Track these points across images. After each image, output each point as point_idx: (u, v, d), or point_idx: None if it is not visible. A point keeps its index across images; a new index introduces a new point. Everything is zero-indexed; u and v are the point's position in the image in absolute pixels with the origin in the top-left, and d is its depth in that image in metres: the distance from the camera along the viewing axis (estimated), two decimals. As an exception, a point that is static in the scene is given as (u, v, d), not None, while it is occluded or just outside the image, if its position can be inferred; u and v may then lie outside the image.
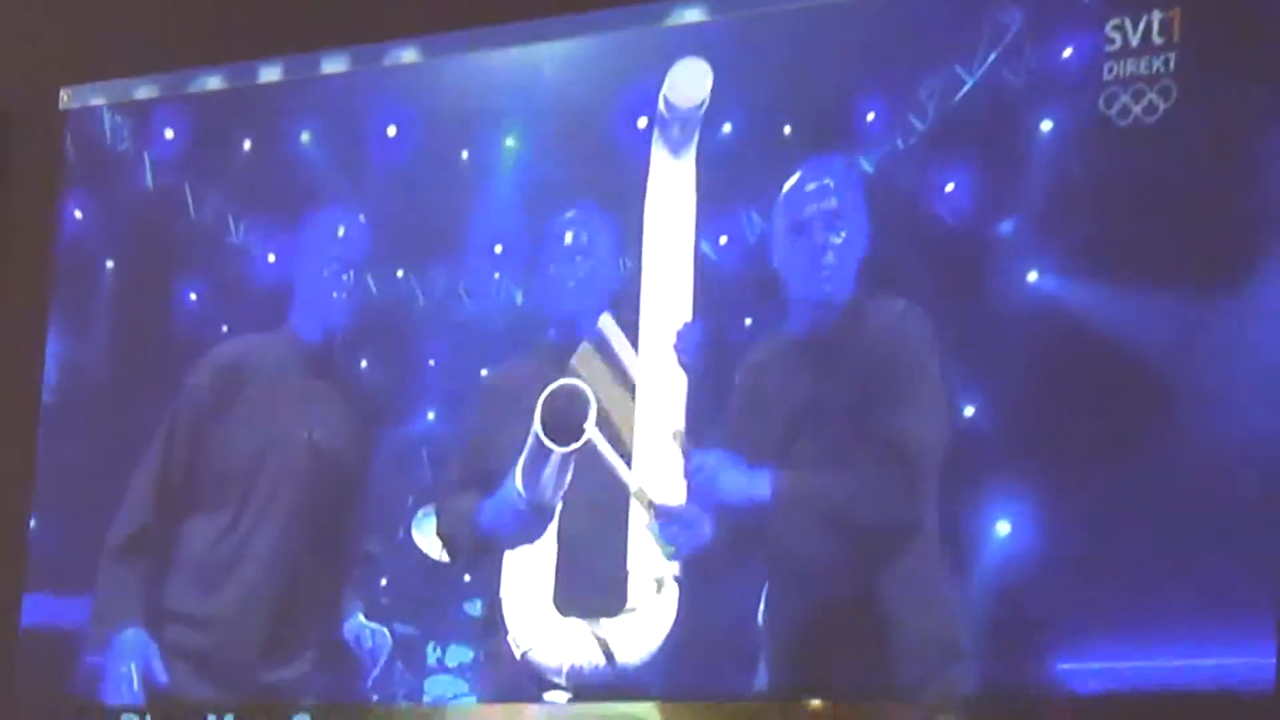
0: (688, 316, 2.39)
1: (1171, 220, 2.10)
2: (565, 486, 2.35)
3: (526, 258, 2.56)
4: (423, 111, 2.68)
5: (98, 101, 2.99)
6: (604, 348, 2.42)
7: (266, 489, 2.57)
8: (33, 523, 2.85)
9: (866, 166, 2.32)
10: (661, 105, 2.42)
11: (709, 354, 2.37)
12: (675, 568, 2.30)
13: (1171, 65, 2.13)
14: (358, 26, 2.78)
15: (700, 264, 2.40)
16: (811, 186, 2.31)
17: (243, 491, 2.57)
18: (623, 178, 2.47)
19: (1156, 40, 2.15)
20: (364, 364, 2.68)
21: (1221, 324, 2.05)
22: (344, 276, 2.62)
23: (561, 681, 2.32)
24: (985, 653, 2.14)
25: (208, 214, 2.80)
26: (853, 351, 2.27)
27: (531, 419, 2.34)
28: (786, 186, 2.33)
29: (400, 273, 2.64)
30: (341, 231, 2.66)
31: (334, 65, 2.77)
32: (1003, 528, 2.15)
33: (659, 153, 2.43)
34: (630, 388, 2.40)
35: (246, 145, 2.80)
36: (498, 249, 2.61)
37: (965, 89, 2.25)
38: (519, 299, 2.58)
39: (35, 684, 2.75)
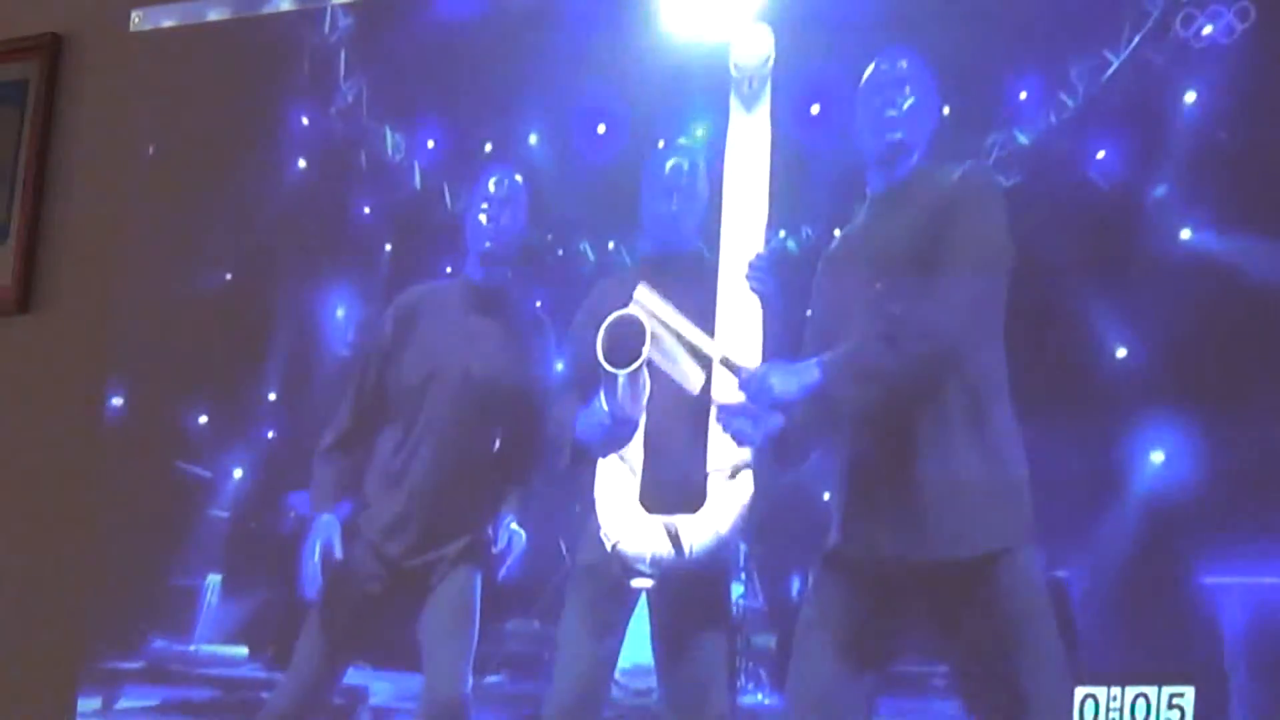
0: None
1: None
2: (643, 401, 2.08)
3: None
4: (628, 107, 2.45)
5: (169, 24, 2.73)
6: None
7: (429, 410, 2.34)
8: None
9: (1023, 139, 2.05)
10: (731, 68, 2.18)
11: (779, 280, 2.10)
12: (748, 454, 2.03)
13: None
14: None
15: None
16: (885, 65, 2.03)
17: (412, 411, 2.36)
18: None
19: None
20: (538, 304, 2.45)
21: None
22: (500, 220, 2.37)
23: (646, 569, 2.08)
24: (1138, 565, 1.88)
25: (461, 205, 2.64)
26: (921, 200, 1.96)
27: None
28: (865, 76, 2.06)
29: (611, 244, 2.43)
30: (493, 186, 2.42)
31: None
32: (1157, 456, 1.89)
33: (735, 108, 2.18)
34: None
35: (488, 148, 2.64)
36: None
37: (1112, 69, 1.98)
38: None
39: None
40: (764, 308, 2.08)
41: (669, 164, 2.23)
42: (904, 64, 2.01)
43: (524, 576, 2.38)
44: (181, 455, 2.73)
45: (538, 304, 2.44)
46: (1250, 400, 1.82)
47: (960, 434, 1.84)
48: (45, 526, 2.87)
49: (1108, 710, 1.81)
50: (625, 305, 2.07)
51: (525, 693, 2.31)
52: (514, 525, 2.32)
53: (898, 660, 1.93)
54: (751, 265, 2.08)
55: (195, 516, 2.70)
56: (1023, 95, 2.05)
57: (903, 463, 1.87)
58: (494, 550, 2.30)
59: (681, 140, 2.28)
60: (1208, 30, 1.87)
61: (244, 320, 2.78)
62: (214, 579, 2.70)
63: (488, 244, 2.37)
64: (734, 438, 1.95)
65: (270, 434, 2.74)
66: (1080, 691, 1.82)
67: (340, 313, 2.75)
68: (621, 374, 1.97)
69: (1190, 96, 1.91)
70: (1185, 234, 1.91)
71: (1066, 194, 2.00)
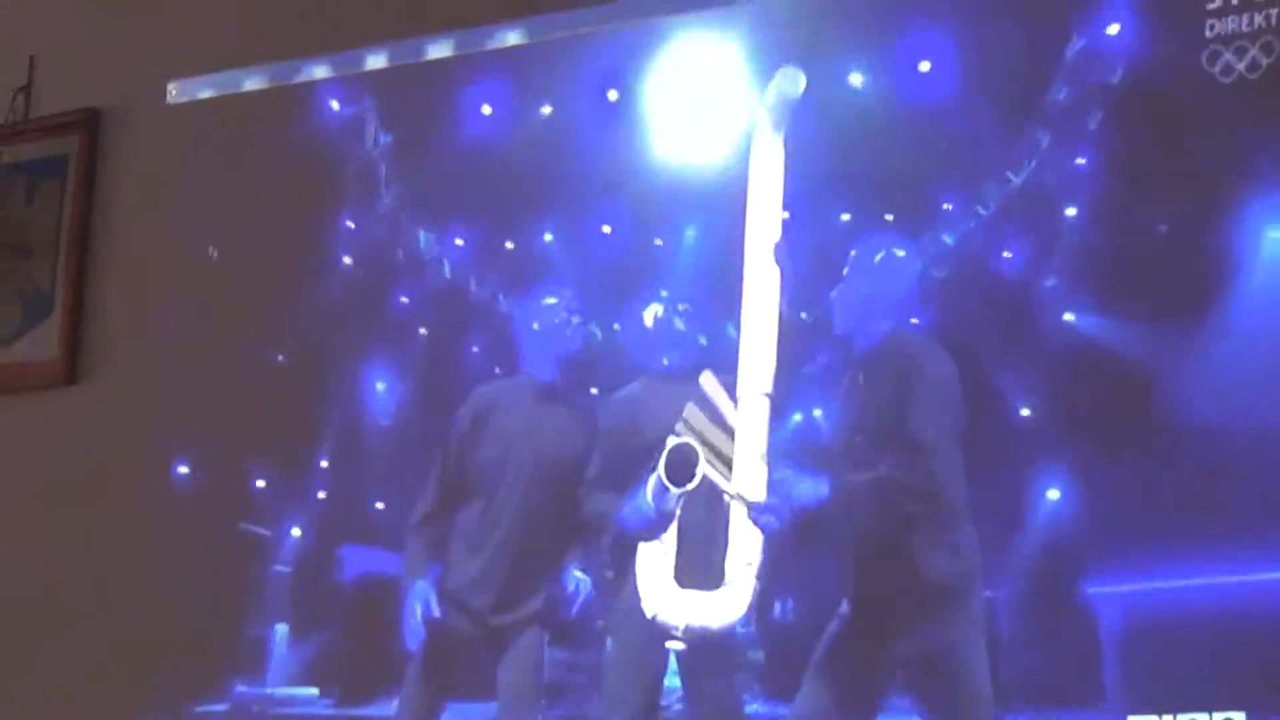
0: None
1: (1161, 263, 2.13)
2: (682, 501, 2.37)
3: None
4: (629, 211, 2.74)
5: (206, 94, 2.77)
6: (706, 404, 2.40)
7: (506, 487, 2.60)
8: (380, 504, 2.92)
9: (948, 240, 2.39)
10: (771, 94, 2.44)
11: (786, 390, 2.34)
12: (758, 552, 2.32)
13: (1274, 20, 1.91)
14: (461, 11, 2.62)
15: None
16: (883, 254, 2.33)
17: (491, 488, 2.61)
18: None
19: None
20: (594, 390, 2.71)
21: (1199, 343, 2.12)
22: (568, 329, 2.64)
23: (679, 634, 2.37)
24: (1041, 580, 2.20)
25: (484, 292, 2.90)
26: (891, 366, 2.27)
27: (649, 432, 2.39)
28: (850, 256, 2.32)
29: (616, 326, 2.70)
30: (553, 300, 2.67)
31: (439, 50, 2.66)
32: (1053, 493, 2.21)
33: (763, 126, 2.46)
34: (729, 431, 2.38)
35: (509, 245, 2.90)
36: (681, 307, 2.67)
37: (1014, 186, 2.33)
38: (703, 340, 2.62)
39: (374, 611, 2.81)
40: (771, 415, 2.30)
41: (650, 317, 2.51)
42: (901, 253, 2.29)
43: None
44: (244, 517, 2.92)
45: (593, 390, 2.67)
46: (1120, 446, 2.15)
47: (932, 552, 2.17)
48: (113, 585, 2.95)
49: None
50: (647, 417, 2.39)
51: (556, 717, 2.55)
52: (579, 574, 2.57)
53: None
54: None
55: (260, 572, 2.89)
56: (947, 206, 2.39)
57: (886, 569, 2.21)
58: (568, 593, 2.55)
59: (664, 293, 2.51)
60: (1081, 161, 2.24)
61: (296, 395, 2.97)
62: (282, 627, 2.87)
63: (564, 352, 2.64)
64: (761, 529, 2.26)
65: (321, 494, 2.94)
66: None
67: (381, 387, 2.98)
68: (678, 491, 2.27)
69: (1071, 210, 2.27)
70: (1069, 317, 2.25)
71: (981, 284, 2.34)
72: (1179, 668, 2.07)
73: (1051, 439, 2.25)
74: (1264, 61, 1.94)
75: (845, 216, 2.52)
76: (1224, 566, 2.04)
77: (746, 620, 2.35)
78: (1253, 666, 1.99)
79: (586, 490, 2.53)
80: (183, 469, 2.96)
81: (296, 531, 2.89)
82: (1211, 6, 2.01)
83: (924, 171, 2.42)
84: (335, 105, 2.99)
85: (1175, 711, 2.03)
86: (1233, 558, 2.03)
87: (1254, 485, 2.05)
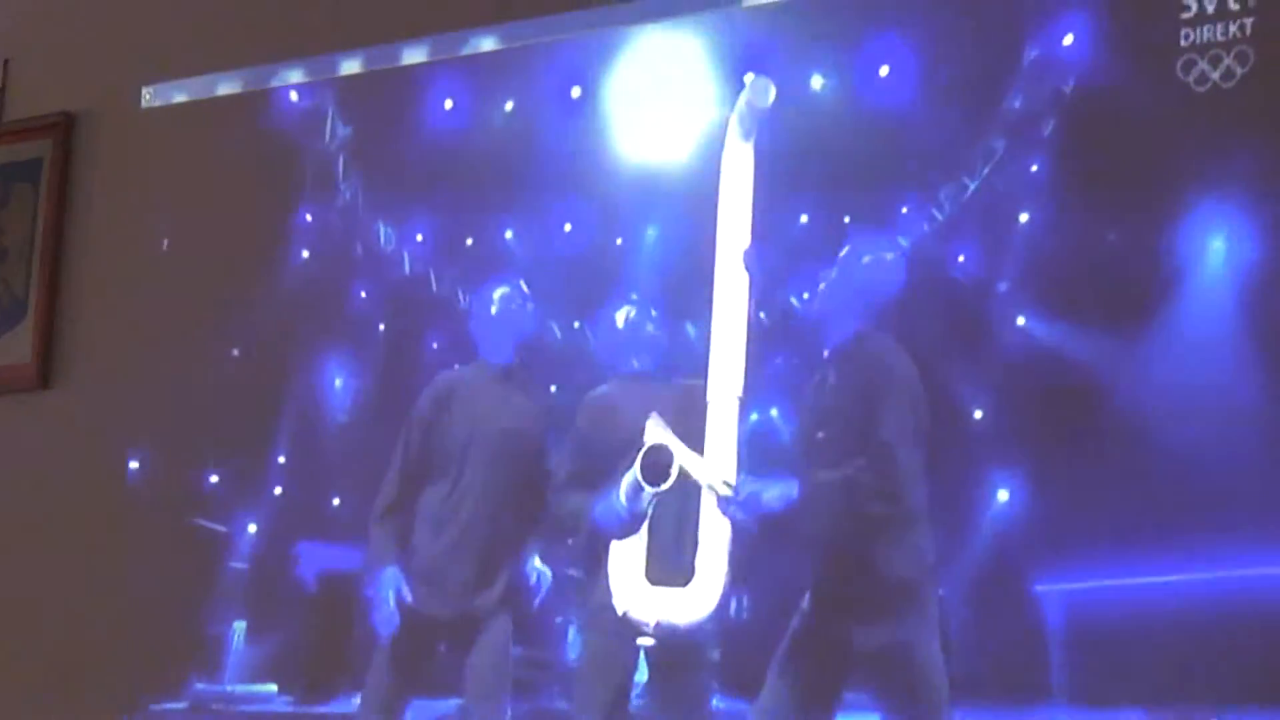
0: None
1: (1111, 269, 2.20)
2: (655, 500, 2.43)
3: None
4: (590, 209, 2.78)
5: (180, 99, 2.84)
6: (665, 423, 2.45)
7: (472, 464, 2.65)
8: (337, 500, 2.94)
9: (904, 243, 2.45)
10: (741, 103, 2.52)
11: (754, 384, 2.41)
12: (727, 549, 2.39)
13: (1249, 30, 1.93)
14: (434, 17, 2.68)
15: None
16: (872, 256, 2.41)
17: (457, 467, 2.65)
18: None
19: (1233, 6, 1.93)
20: (553, 389, 2.75)
21: (1147, 348, 2.19)
22: (523, 313, 2.70)
23: (650, 631, 2.45)
24: (989, 579, 2.28)
25: (445, 289, 2.91)
26: (855, 364, 2.35)
27: (623, 433, 2.45)
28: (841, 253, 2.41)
29: (576, 324, 2.75)
30: (508, 291, 2.73)
31: (414, 56, 2.73)
32: (1002, 495, 2.28)
33: (733, 133, 2.52)
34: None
35: (469, 241, 2.92)
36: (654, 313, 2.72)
37: (969, 191, 2.39)
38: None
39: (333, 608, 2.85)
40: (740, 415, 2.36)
41: (622, 319, 2.55)
42: (889, 256, 2.35)
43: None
44: (198, 513, 2.95)
45: (553, 389, 2.72)
46: (1069, 448, 2.22)
47: (893, 551, 2.25)
48: (78, 584, 3.00)
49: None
50: (622, 418, 2.45)
51: (521, 713, 2.59)
52: (539, 564, 2.62)
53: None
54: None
55: (217, 568, 2.92)
56: (904, 209, 2.44)
57: (848, 566, 2.28)
58: (529, 584, 2.60)
59: (634, 295, 2.57)
60: (1035, 169, 2.29)
61: (252, 391, 3.00)
62: (240, 624, 2.89)
63: (520, 336, 2.71)
64: (731, 521, 2.34)
65: (278, 490, 2.98)
66: None
67: (338, 383, 3.00)
68: (652, 491, 2.35)
69: (1024, 216, 2.32)
70: (1021, 320, 2.31)
71: (937, 287, 2.39)
72: (1123, 665, 2.14)
73: (1003, 441, 2.31)
74: (1239, 71, 1.96)
75: (804, 218, 2.58)
76: (1168, 565, 2.11)
77: (711, 616, 2.40)
78: (1198, 664, 2.07)
79: (558, 490, 2.57)
80: (133, 464, 3.00)
81: (253, 528, 2.91)
82: (1186, 16, 2.04)
83: (881, 175, 2.48)
84: (294, 97, 3.02)
85: (1122, 708, 2.12)
86: (1177, 557, 2.10)
87: (1198, 486, 2.12)
